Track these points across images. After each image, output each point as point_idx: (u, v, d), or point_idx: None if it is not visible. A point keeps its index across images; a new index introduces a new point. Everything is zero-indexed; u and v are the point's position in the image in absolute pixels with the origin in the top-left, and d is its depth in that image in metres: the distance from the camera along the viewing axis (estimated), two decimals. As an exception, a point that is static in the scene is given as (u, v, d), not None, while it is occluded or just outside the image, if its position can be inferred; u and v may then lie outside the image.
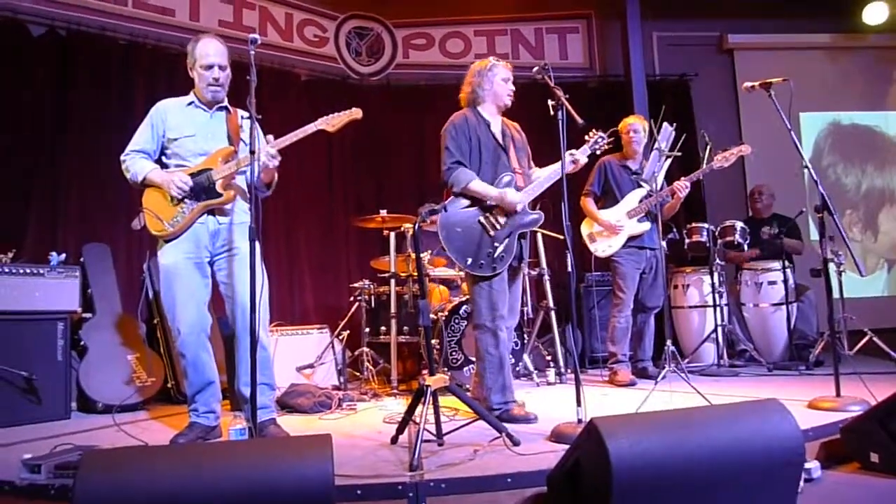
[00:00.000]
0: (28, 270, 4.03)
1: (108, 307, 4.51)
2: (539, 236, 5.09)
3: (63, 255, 4.26)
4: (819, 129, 7.81)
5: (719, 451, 1.91)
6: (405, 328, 4.84)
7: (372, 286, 5.00)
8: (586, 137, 3.54)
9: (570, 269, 2.94)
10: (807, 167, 3.47)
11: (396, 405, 4.02)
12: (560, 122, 2.98)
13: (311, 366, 4.71)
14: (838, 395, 3.24)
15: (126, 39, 5.70)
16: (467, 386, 4.18)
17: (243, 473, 1.75)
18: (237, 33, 6.11)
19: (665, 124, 4.28)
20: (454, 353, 4.42)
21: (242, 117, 3.26)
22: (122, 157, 3.22)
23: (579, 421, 2.73)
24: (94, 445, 2.86)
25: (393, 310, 4.73)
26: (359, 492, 2.16)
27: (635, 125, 4.83)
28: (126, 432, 3.27)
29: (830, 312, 3.60)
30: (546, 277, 5.12)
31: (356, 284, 5.04)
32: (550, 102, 3.04)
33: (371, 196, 6.58)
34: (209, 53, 3.16)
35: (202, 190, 3.11)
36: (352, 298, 5.07)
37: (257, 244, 2.81)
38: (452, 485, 2.20)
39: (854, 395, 3.20)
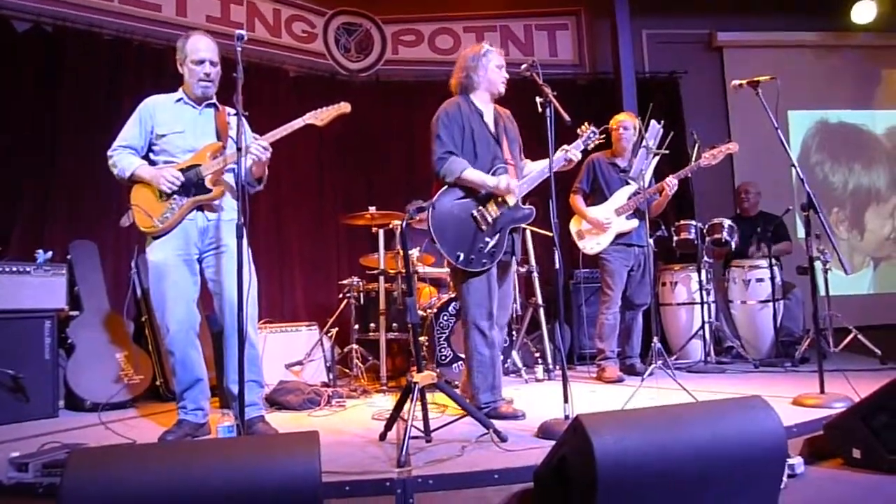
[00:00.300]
0: (14, 268, 4.01)
1: (95, 305, 4.49)
2: (528, 233, 5.10)
3: (50, 253, 4.24)
4: (807, 127, 7.86)
5: (703, 448, 1.93)
6: (394, 325, 4.85)
7: (361, 283, 5.00)
8: (578, 132, 3.50)
9: (558, 266, 2.94)
10: (793, 166, 3.50)
11: (385, 402, 4.03)
12: (548, 119, 2.98)
13: (300, 363, 4.71)
14: (822, 391, 3.27)
15: (112, 35, 5.67)
16: (456, 382, 4.19)
17: (231, 471, 1.75)
18: (224, 29, 6.08)
19: (653, 122, 4.31)
20: (443, 350, 4.43)
21: (230, 114, 3.26)
22: (108, 153, 3.20)
23: (566, 417, 2.75)
24: (82, 444, 2.86)
25: (382, 307, 4.73)
26: (347, 488, 2.17)
27: (626, 122, 4.84)
28: (114, 430, 3.27)
29: (816, 310, 3.64)
30: (535, 274, 5.14)
31: (345, 281, 5.03)
32: (539, 100, 3.02)
33: (360, 193, 6.57)
34: (200, 49, 3.16)
35: (191, 186, 3.10)
36: (341, 295, 5.07)
37: (246, 241, 2.81)
38: (440, 481, 2.22)
39: (838, 392, 3.23)
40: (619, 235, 4.71)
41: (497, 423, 2.84)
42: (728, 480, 1.95)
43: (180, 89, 3.27)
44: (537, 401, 3.82)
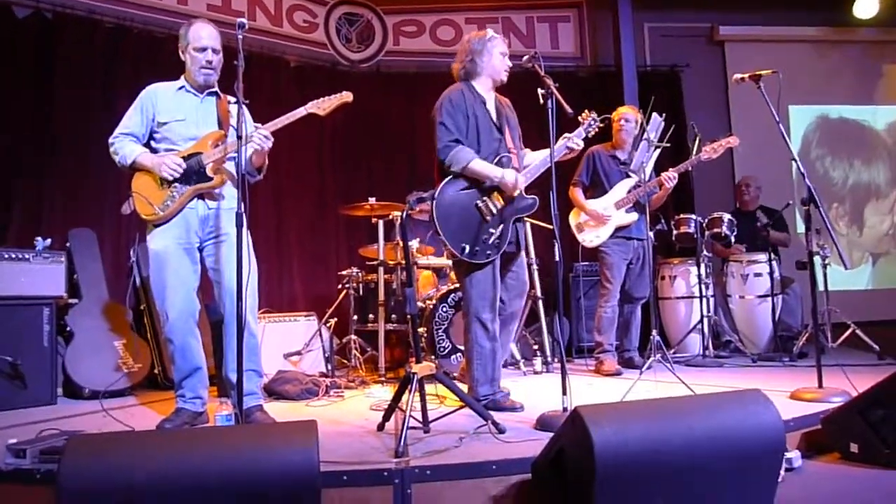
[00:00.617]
0: (13, 255, 4.01)
1: (94, 293, 4.49)
2: (528, 226, 5.07)
3: (49, 241, 4.24)
4: (808, 122, 7.85)
5: (702, 440, 1.93)
6: (393, 316, 4.85)
7: (360, 274, 5.00)
8: (580, 119, 3.48)
9: (557, 258, 2.93)
10: (794, 160, 3.49)
11: (383, 392, 4.03)
12: (549, 111, 2.96)
13: (298, 353, 4.71)
14: (820, 386, 3.28)
15: (112, 22, 5.64)
16: (454, 374, 4.20)
17: (229, 459, 1.76)
18: (226, 17, 6.04)
19: (654, 115, 4.29)
20: (442, 342, 4.44)
21: (231, 102, 3.25)
22: (110, 140, 3.19)
23: (564, 409, 2.75)
24: (80, 431, 2.86)
25: (381, 297, 4.73)
26: (345, 478, 2.17)
27: (628, 115, 4.83)
28: (113, 417, 3.26)
29: (815, 305, 3.64)
30: (534, 267, 5.13)
31: (344, 272, 5.03)
32: (540, 91, 3.00)
33: (360, 183, 6.56)
34: (202, 36, 3.14)
35: (192, 173, 3.09)
36: (340, 286, 5.07)
37: (247, 230, 2.81)
38: (438, 471, 2.22)
39: (836, 387, 3.23)
40: (619, 228, 4.71)
41: (495, 415, 2.85)
42: (726, 473, 1.95)
43: (182, 77, 3.25)
44: (535, 393, 3.83)
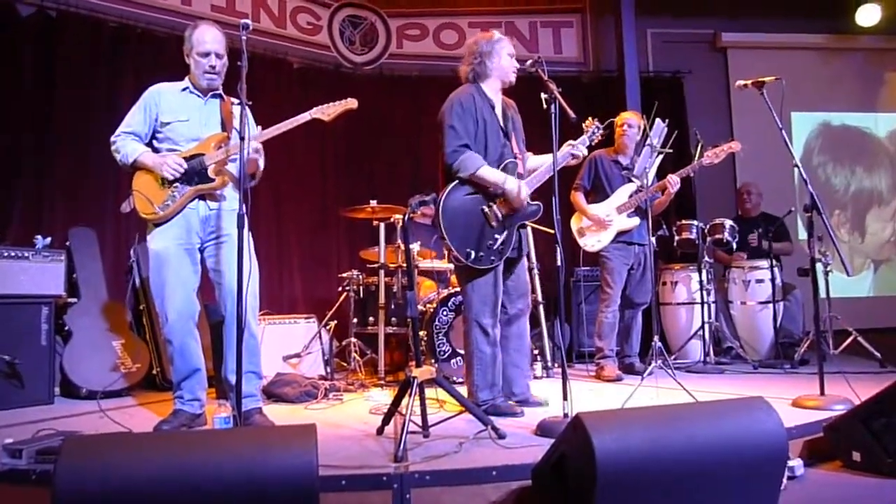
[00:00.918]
0: (13, 253, 4.00)
1: (93, 292, 4.47)
2: (529, 230, 5.07)
3: (49, 239, 4.23)
4: (810, 128, 7.85)
5: (704, 448, 1.92)
6: (393, 319, 4.83)
7: (361, 276, 4.99)
8: (584, 126, 3.48)
9: (558, 263, 2.92)
10: (797, 166, 3.48)
11: (383, 396, 4.01)
12: (553, 115, 2.95)
13: (297, 355, 4.69)
14: (822, 393, 3.26)
15: (116, 22, 5.65)
16: (454, 378, 4.18)
17: (227, 463, 1.74)
18: (230, 18, 6.06)
19: (658, 120, 4.29)
20: (442, 345, 4.42)
21: (234, 104, 3.24)
22: (112, 139, 3.18)
23: (565, 415, 2.73)
24: (77, 431, 2.84)
25: (381, 300, 4.72)
26: (343, 482, 2.15)
27: (631, 120, 4.81)
28: (110, 418, 3.24)
29: (816, 312, 3.62)
30: (535, 271, 5.12)
31: (345, 274, 5.02)
32: (543, 96, 2.99)
33: (362, 186, 6.55)
34: (206, 41, 3.13)
35: (194, 174, 3.08)
36: (340, 288, 5.06)
37: (248, 231, 2.80)
38: (437, 477, 2.20)
39: (838, 395, 3.22)
40: (621, 233, 4.69)
41: (495, 420, 2.83)
42: (728, 481, 1.94)
43: (186, 78, 3.24)
44: (535, 398, 3.80)
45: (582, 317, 5.77)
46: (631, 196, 4.67)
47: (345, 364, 4.88)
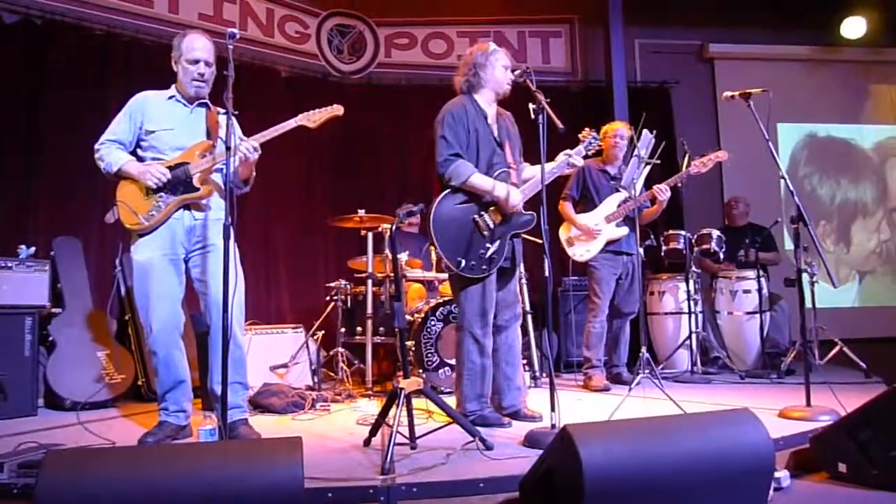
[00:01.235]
0: (-4, 263, 3.95)
1: (78, 303, 4.43)
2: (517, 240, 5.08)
3: (33, 249, 4.18)
4: (796, 140, 7.91)
5: (691, 460, 1.92)
6: (381, 329, 4.82)
7: (348, 286, 4.97)
8: (580, 137, 3.49)
9: (547, 273, 2.93)
10: (783, 178, 3.50)
11: (371, 406, 4.00)
12: (541, 125, 2.96)
13: (284, 365, 4.66)
14: (808, 404, 3.27)
15: (103, 30, 5.62)
16: (442, 388, 4.16)
17: (212, 476, 1.72)
18: (217, 27, 6.04)
19: (645, 131, 4.31)
20: (430, 356, 4.41)
21: (220, 113, 3.22)
22: (95, 146, 3.14)
23: (553, 426, 2.73)
24: (60, 444, 2.81)
25: (369, 310, 4.70)
26: (329, 495, 2.14)
27: (621, 131, 4.82)
28: (90, 431, 3.20)
29: (803, 322, 3.64)
30: (524, 281, 5.12)
31: (332, 284, 5.00)
32: (531, 106, 3.00)
33: (349, 195, 6.51)
34: (196, 48, 3.12)
35: (179, 184, 3.06)
36: (328, 298, 5.03)
37: (234, 241, 2.78)
38: (424, 489, 2.19)
39: (824, 405, 3.23)
40: (609, 242, 4.70)
41: (483, 431, 2.83)
42: (715, 493, 1.94)
43: (173, 87, 3.22)
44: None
45: (570, 326, 5.78)
46: (619, 205, 4.69)
47: (332, 374, 4.86)
